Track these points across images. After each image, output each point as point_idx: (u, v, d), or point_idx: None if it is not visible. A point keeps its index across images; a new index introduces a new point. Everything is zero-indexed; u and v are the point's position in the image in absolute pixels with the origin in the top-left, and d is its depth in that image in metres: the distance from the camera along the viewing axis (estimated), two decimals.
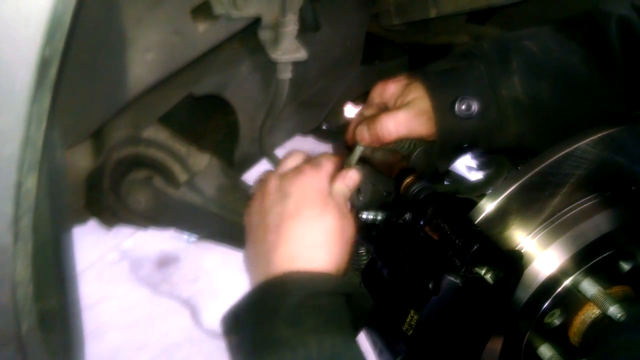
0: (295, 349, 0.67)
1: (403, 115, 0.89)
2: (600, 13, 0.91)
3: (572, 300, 0.83)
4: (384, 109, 0.94)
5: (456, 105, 0.87)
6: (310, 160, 0.88)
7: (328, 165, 0.85)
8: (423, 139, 0.91)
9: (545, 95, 0.88)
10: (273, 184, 0.83)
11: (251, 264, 0.82)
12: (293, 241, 0.77)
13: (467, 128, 0.88)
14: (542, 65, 0.89)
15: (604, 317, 0.81)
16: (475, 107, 0.87)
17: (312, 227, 0.77)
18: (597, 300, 0.80)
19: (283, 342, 0.68)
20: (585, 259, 0.82)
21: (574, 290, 0.82)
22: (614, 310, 0.78)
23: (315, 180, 0.82)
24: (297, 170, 0.84)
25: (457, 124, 0.88)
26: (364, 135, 0.91)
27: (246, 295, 0.77)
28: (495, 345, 0.85)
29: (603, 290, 0.80)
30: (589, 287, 0.81)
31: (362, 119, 0.94)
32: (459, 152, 0.93)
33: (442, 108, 0.88)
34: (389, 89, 0.94)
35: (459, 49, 1.25)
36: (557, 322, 0.84)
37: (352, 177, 0.87)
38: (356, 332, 0.79)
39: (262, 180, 0.86)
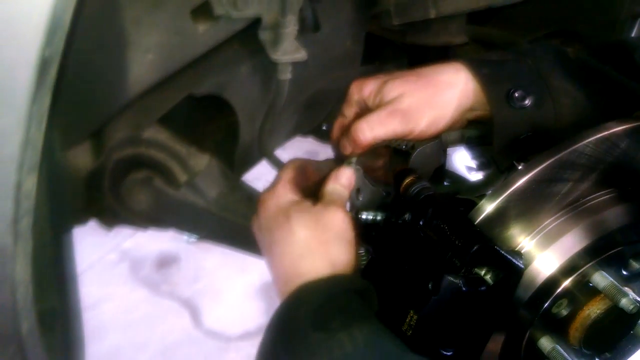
0: (331, 350, 0.69)
1: (376, 116, 0.89)
2: (628, 42, 0.97)
3: (581, 292, 0.83)
4: (364, 107, 0.95)
5: (511, 96, 0.87)
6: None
7: (285, 176, 0.88)
8: (413, 139, 0.91)
9: (591, 96, 0.89)
10: (259, 216, 0.87)
11: (274, 280, 0.86)
12: (286, 264, 0.81)
13: (523, 118, 0.88)
14: (584, 71, 0.91)
15: (609, 314, 0.80)
16: (530, 97, 0.88)
17: (289, 245, 0.81)
18: (610, 292, 0.79)
19: (316, 346, 0.70)
20: (600, 251, 0.82)
21: (584, 282, 0.82)
22: (626, 302, 0.78)
23: (272, 203, 0.86)
24: (260, 202, 0.88)
25: (513, 115, 0.88)
26: (345, 146, 0.92)
27: (269, 322, 0.81)
28: (496, 344, 0.85)
29: (615, 282, 0.80)
30: (601, 279, 0.81)
31: (342, 118, 0.97)
32: (517, 145, 0.92)
33: (497, 98, 0.89)
34: (367, 87, 0.94)
35: (460, 50, 1.25)
36: (564, 312, 0.84)
37: (345, 175, 0.88)
38: None
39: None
